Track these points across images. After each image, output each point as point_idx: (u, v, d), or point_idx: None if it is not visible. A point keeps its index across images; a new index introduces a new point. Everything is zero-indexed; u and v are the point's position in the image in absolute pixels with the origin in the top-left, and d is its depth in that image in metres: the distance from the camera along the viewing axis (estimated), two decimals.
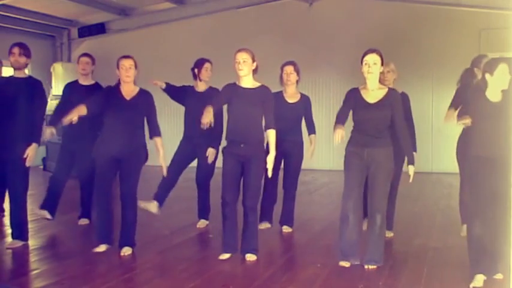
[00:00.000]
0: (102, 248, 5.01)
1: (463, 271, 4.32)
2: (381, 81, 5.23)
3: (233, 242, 4.79)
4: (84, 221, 6.18)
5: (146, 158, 5.10)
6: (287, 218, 5.90)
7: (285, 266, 4.80)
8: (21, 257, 5.00)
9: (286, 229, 5.86)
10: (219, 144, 5.68)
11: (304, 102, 5.85)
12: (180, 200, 6.98)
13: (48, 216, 5.96)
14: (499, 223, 4.09)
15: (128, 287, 4.23)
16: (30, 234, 5.36)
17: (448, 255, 4.95)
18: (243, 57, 4.68)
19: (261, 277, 4.44)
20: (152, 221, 6.17)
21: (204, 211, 6.13)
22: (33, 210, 5.93)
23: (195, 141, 5.87)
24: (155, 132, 5.02)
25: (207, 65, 6.00)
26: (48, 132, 5.75)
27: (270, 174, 4.74)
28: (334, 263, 4.66)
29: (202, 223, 6.09)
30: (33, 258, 4.97)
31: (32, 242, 5.38)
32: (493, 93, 4.21)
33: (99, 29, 12.15)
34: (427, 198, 8.05)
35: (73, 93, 5.92)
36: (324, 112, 10.96)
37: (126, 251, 4.98)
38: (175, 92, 6.06)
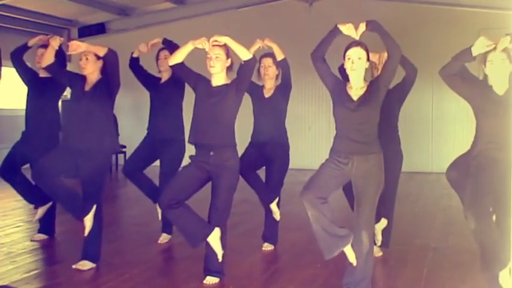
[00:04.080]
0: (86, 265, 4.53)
1: (463, 271, 4.32)
2: (372, 75, 5.12)
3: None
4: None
5: (112, 150, 4.65)
6: (270, 233, 5.21)
7: (285, 266, 4.79)
8: (20, 257, 4.99)
9: (266, 246, 5.16)
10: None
11: (279, 89, 5.08)
12: None
13: (44, 237, 5.51)
14: (498, 225, 3.94)
15: (127, 287, 4.22)
16: (29, 234, 5.35)
17: (448, 255, 4.95)
18: (216, 53, 4.09)
19: (260, 277, 4.44)
20: (152, 221, 6.17)
21: (169, 224, 5.33)
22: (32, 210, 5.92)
23: (158, 143, 5.27)
24: None
25: (163, 53, 5.37)
26: None
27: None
28: (334, 263, 4.64)
29: (164, 237, 5.43)
30: (32, 258, 4.97)
31: (32, 242, 5.38)
32: (497, 85, 3.99)
33: (99, 29, 12.15)
34: (427, 198, 8.05)
35: (32, 84, 5.47)
36: (323, 113, 10.99)
37: (83, 265, 4.47)
38: (141, 70, 5.45)
